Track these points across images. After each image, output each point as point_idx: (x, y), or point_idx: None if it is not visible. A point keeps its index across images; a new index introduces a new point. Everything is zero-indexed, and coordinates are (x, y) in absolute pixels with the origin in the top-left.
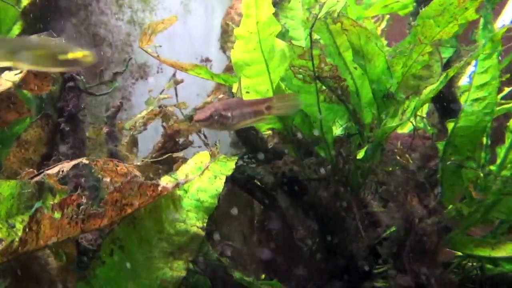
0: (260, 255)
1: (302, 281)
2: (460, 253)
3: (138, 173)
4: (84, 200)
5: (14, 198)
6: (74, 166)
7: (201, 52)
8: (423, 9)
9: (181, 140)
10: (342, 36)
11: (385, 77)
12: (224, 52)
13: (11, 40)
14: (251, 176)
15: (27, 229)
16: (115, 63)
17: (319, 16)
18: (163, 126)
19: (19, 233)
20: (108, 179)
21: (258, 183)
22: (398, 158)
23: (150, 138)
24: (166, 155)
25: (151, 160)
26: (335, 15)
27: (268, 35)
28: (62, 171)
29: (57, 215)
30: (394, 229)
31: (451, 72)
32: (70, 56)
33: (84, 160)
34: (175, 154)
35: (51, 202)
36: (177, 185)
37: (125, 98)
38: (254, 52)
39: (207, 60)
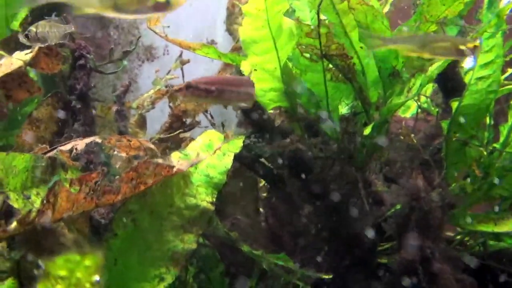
0: (267, 232)
1: (308, 256)
2: (462, 230)
3: (152, 146)
4: (100, 176)
5: (28, 171)
6: (87, 144)
7: (207, 34)
8: None
9: (188, 120)
10: (349, 15)
11: (391, 56)
12: (230, 34)
13: None
14: (258, 155)
15: (44, 201)
16: (122, 45)
17: None
18: (169, 107)
19: (35, 205)
20: (123, 154)
21: (265, 162)
22: (403, 138)
23: (157, 120)
24: (175, 133)
25: (158, 138)
26: None
27: (276, 12)
28: (76, 148)
29: (74, 190)
30: (398, 207)
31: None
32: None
33: (97, 139)
34: (182, 134)
35: (68, 177)
36: (190, 165)
37: (132, 80)
38: (262, 30)
39: (213, 42)
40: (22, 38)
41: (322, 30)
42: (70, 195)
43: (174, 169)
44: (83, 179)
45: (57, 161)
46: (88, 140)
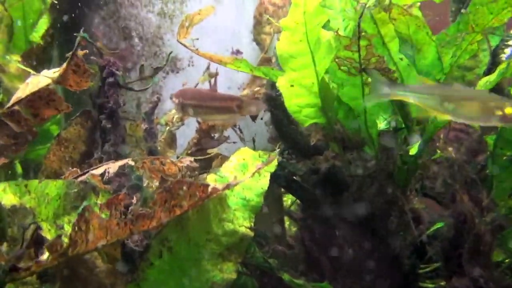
0: (304, 255)
1: (348, 281)
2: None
3: (193, 164)
4: (133, 200)
5: (61, 199)
6: (120, 166)
7: (232, 43)
8: None
9: (216, 135)
10: (387, 26)
11: (436, 69)
12: (258, 44)
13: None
14: (291, 173)
15: (76, 228)
16: (146, 56)
17: (367, 5)
18: (198, 122)
19: (67, 233)
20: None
21: (299, 180)
22: (440, 152)
23: (181, 133)
24: (211, 154)
25: (186, 155)
26: (387, 2)
27: (315, 25)
28: (108, 172)
29: (104, 215)
30: (438, 226)
31: None
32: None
33: (130, 161)
34: (210, 150)
35: (97, 202)
36: (227, 187)
37: (156, 92)
38: (300, 44)
39: (238, 52)
40: None
41: (362, 43)
42: (102, 221)
43: (209, 189)
44: (111, 202)
45: (88, 185)
46: (121, 163)
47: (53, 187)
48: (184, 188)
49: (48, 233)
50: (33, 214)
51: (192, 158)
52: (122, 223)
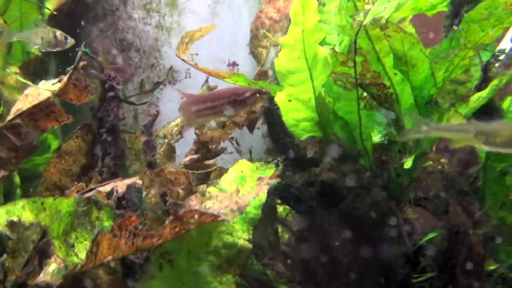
0: (300, 266)
1: None
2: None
3: (189, 179)
4: (144, 219)
5: (71, 215)
6: (127, 185)
7: (229, 56)
8: (466, 13)
9: (213, 147)
10: (382, 42)
11: (429, 84)
12: (255, 57)
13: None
14: (288, 185)
15: (88, 253)
16: (143, 68)
17: (364, 23)
18: (195, 133)
19: (76, 250)
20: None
21: (295, 191)
22: (432, 163)
23: (177, 145)
24: (213, 168)
25: (184, 166)
26: (383, 21)
27: (313, 42)
28: (117, 191)
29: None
30: (431, 236)
31: (504, 79)
32: None
33: (138, 180)
34: (207, 161)
35: (108, 223)
36: (234, 216)
37: (153, 104)
38: (298, 61)
39: (234, 64)
40: None
41: (358, 59)
42: (111, 242)
43: (219, 218)
44: (123, 224)
45: (91, 200)
46: (129, 181)
47: (65, 204)
48: (196, 216)
49: (59, 251)
50: (45, 232)
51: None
52: (130, 242)
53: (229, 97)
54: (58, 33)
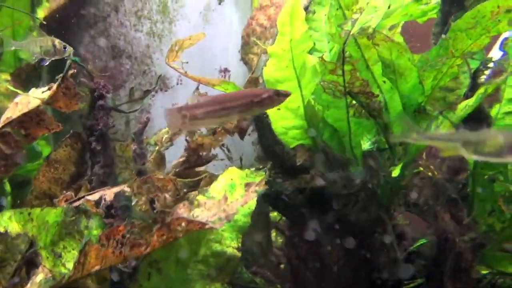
0: (290, 273)
1: None
2: (491, 269)
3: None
4: (130, 228)
5: (59, 225)
6: (115, 193)
7: (221, 62)
8: (454, 21)
9: (204, 153)
10: (371, 50)
11: (417, 92)
12: (245, 64)
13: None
14: (278, 192)
15: (76, 264)
16: (134, 75)
17: (352, 32)
18: (186, 140)
19: (63, 261)
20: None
21: (285, 198)
22: (422, 169)
23: (168, 151)
24: (202, 176)
25: (174, 173)
26: (370, 31)
27: (301, 51)
28: (105, 199)
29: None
30: (422, 242)
31: (489, 89)
32: None
33: (125, 188)
34: (198, 168)
35: (96, 233)
36: (222, 224)
37: (145, 110)
38: (286, 70)
39: (226, 70)
40: None
41: (346, 67)
42: (99, 252)
43: (206, 226)
44: (111, 234)
45: (80, 208)
46: (116, 189)
47: (53, 214)
48: (183, 224)
49: (46, 261)
50: (33, 242)
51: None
52: (118, 251)
53: (246, 98)
54: (57, 41)
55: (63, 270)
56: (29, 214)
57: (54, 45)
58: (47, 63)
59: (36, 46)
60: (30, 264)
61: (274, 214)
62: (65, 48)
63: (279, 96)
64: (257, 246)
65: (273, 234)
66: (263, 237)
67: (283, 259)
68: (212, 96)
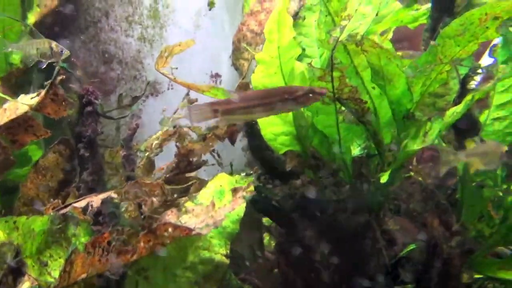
0: (280, 279)
1: None
2: (480, 275)
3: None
4: (116, 235)
5: (45, 233)
6: (103, 200)
7: (212, 68)
8: (442, 28)
9: (194, 159)
10: (360, 56)
11: (406, 98)
12: (236, 69)
13: None
14: (268, 198)
15: (62, 272)
16: (125, 80)
17: (340, 39)
18: (176, 146)
19: (49, 269)
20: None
21: (275, 204)
22: (413, 174)
23: (159, 157)
24: (190, 182)
25: (164, 179)
26: (358, 37)
27: (289, 58)
28: (91, 205)
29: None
30: (412, 247)
31: (477, 95)
32: None
33: (112, 194)
34: (188, 174)
35: (82, 240)
36: (209, 230)
37: (136, 116)
38: (274, 76)
39: (217, 75)
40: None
41: (335, 74)
42: (85, 260)
43: (193, 232)
44: (96, 242)
45: (68, 216)
46: (103, 195)
47: (39, 222)
48: (170, 230)
49: (32, 270)
50: (19, 251)
51: (164, 190)
52: (104, 259)
53: (281, 95)
54: (54, 44)
55: (49, 279)
56: (15, 222)
57: (51, 48)
58: (44, 66)
59: (33, 48)
60: (17, 272)
61: (266, 218)
62: (62, 51)
63: (314, 94)
64: (246, 252)
65: (267, 238)
66: (253, 243)
67: (273, 265)
68: (246, 92)
